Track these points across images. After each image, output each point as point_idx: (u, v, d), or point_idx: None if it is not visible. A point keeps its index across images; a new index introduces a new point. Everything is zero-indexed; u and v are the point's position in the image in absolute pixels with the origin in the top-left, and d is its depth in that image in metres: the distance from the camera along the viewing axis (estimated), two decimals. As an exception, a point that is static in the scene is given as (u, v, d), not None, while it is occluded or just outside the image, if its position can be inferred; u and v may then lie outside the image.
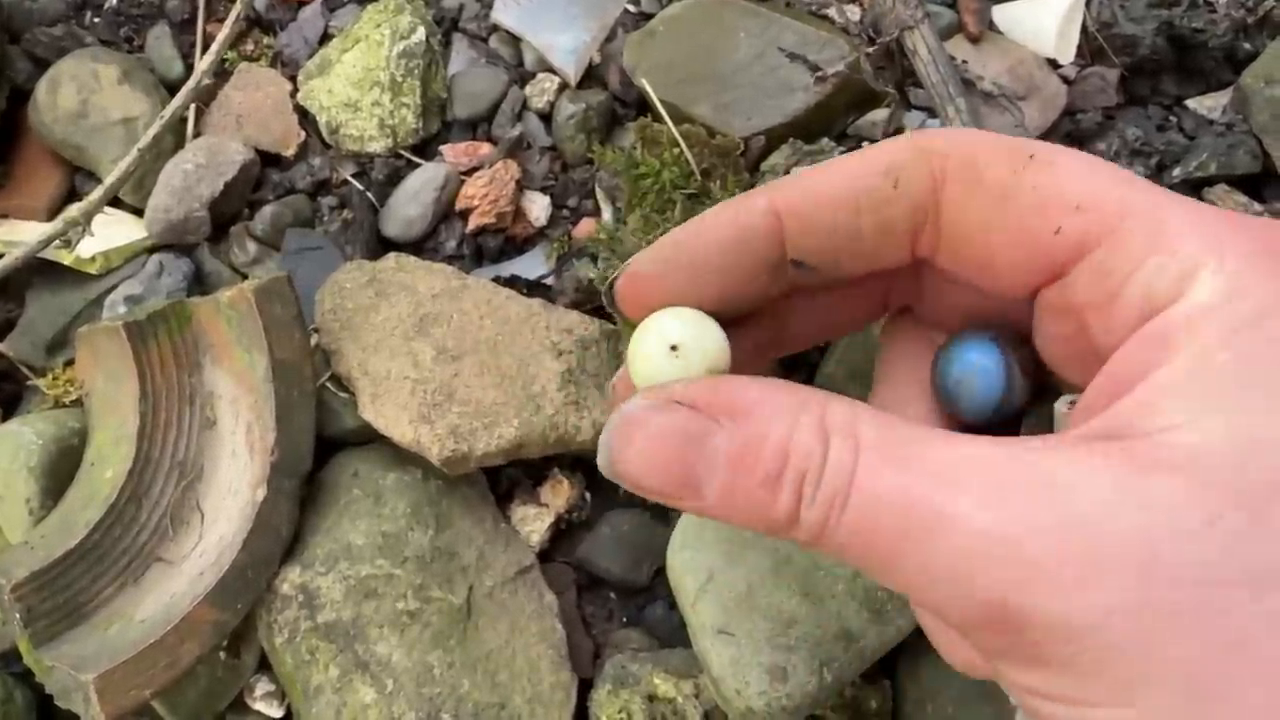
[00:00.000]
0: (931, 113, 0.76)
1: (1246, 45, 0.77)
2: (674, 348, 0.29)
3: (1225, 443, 0.21)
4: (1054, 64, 0.79)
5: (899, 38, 0.62)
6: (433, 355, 0.74)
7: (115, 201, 0.86)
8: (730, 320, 0.30)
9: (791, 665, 0.63)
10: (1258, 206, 0.74)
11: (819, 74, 0.68)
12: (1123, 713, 0.22)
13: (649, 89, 0.78)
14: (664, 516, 0.79)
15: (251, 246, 0.83)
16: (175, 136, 0.86)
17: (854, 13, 0.78)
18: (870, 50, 0.65)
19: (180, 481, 0.74)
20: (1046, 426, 0.28)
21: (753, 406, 0.26)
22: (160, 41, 0.90)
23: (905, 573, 0.24)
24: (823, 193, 0.28)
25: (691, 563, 0.66)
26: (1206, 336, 0.22)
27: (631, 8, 0.86)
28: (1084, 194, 0.25)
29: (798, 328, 0.35)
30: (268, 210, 0.83)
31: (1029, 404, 0.29)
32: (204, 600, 0.68)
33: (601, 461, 0.28)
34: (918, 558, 0.24)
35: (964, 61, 0.70)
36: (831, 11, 0.83)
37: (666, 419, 0.26)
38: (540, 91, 0.85)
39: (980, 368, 0.29)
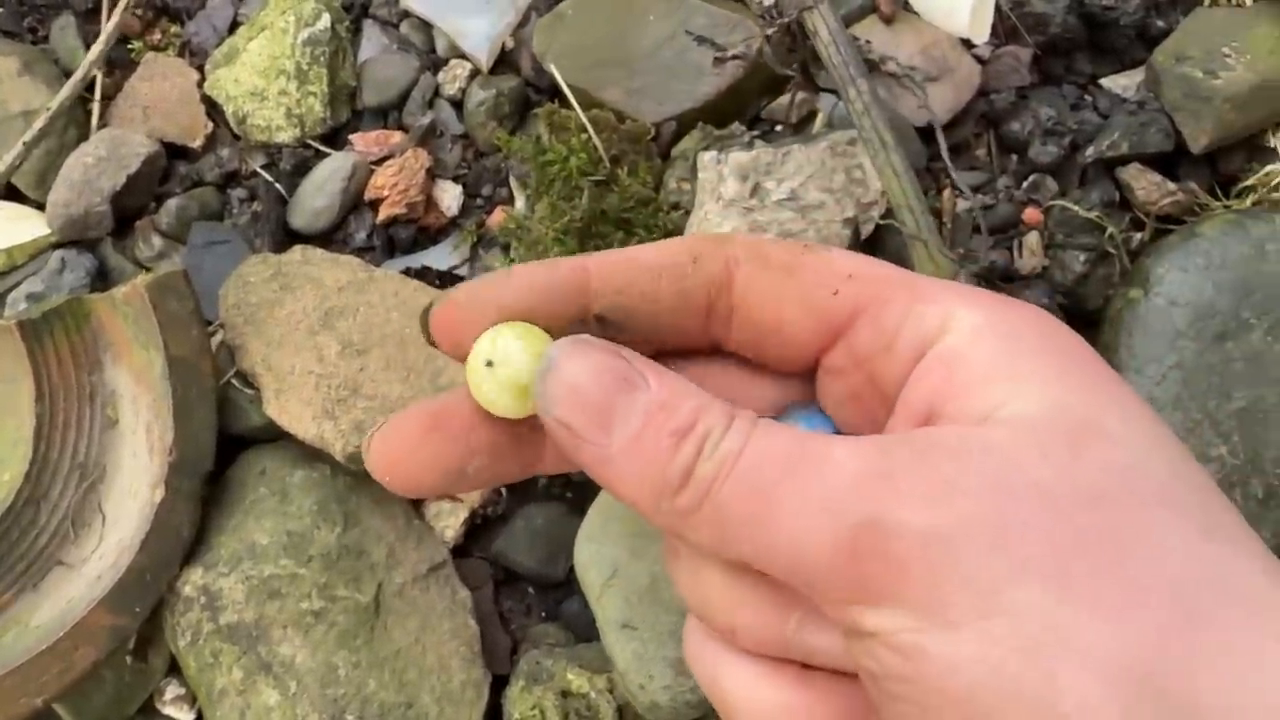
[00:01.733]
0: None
1: (1159, 23, 0.76)
2: (489, 364, 0.29)
3: (1036, 405, 0.26)
4: (968, 44, 0.78)
5: (799, 18, 0.61)
6: (338, 350, 0.73)
7: (18, 196, 0.84)
8: None
9: (696, 658, 0.62)
10: (1170, 185, 0.74)
11: (719, 55, 0.67)
12: (985, 623, 0.23)
13: (557, 74, 0.77)
14: (581, 509, 0.78)
15: (157, 241, 0.81)
16: (79, 130, 0.84)
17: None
18: (770, 32, 0.63)
19: (81, 483, 0.72)
20: None
21: (673, 376, 0.28)
22: (65, 32, 0.88)
23: (779, 518, 0.25)
24: (631, 258, 0.31)
25: (597, 556, 0.65)
26: (981, 350, 0.27)
27: (545, -8, 0.85)
28: (852, 267, 0.30)
29: None
30: (173, 203, 0.81)
31: None
32: (100, 604, 0.66)
33: (535, 385, 0.28)
34: (796, 497, 0.25)
35: (867, 42, 0.69)
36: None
37: (604, 355, 0.28)
38: (452, 78, 0.83)
39: (823, 424, 0.32)
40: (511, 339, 0.29)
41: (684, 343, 0.32)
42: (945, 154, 0.65)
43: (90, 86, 0.87)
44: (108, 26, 0.71)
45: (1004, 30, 0.78)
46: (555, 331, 0.30)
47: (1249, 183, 0.73)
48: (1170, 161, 0.75)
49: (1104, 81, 0.77)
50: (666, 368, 0.29)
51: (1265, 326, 0.68)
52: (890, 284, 0.30)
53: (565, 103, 0.76)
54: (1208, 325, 0.69)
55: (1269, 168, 0.73)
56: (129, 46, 0.87)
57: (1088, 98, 0.77)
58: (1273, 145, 0.74)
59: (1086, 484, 0.24)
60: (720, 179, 0.70)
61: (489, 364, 0.29)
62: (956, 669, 0.23)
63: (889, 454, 0.26)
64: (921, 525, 0.24)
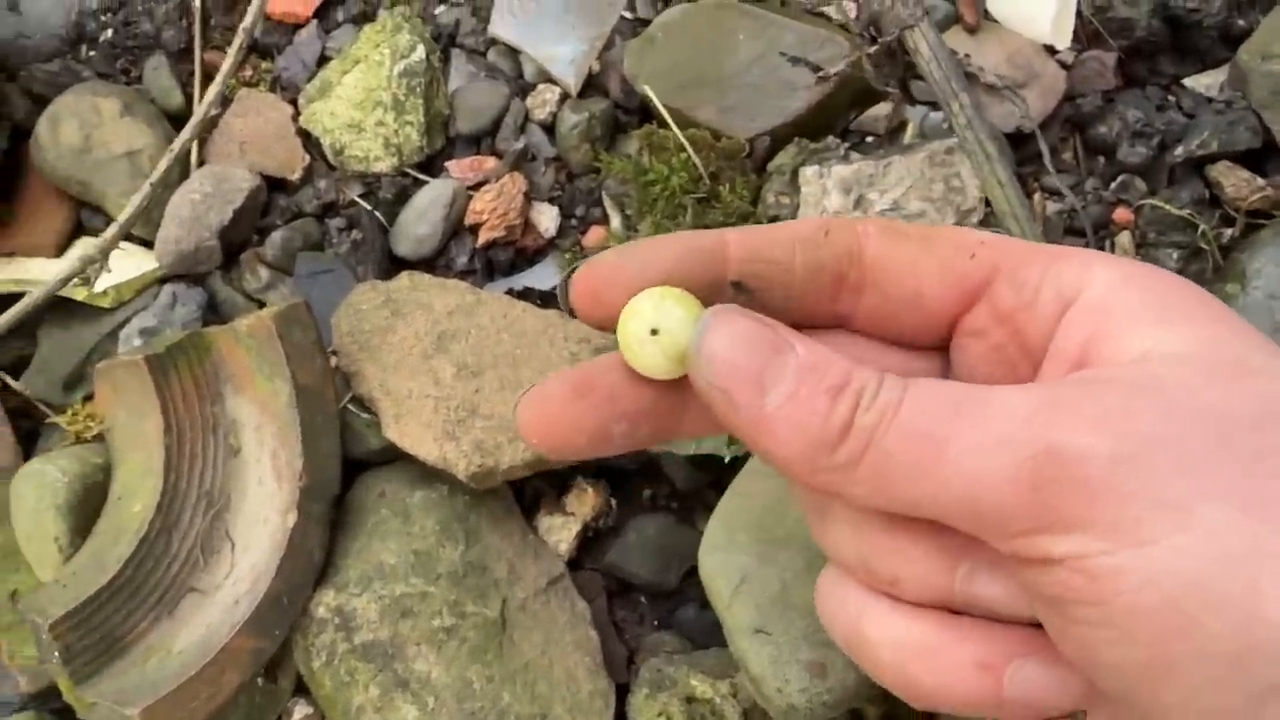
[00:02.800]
0: (934, 106, 0.76)
1: (1241, 22, 0.78)
2: (654, 331, 0.29)
3: (1190, 344, 0.27)
4: (1051, 50, 0.79)
5: (900, 36, 0.63)
6: (453, 372, 0.74)
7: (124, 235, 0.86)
8: None
9: (830, 661, 0.63)
10: (1260, 181, 0.75)
11: (820, 74, 0.69)
12: (1178, 539, 0.24)
13: (652, 95, 0.79)
14: (690, 519, 0.80)
15: (263, 272, 0.83)
16: (179, 166, 0.86)
17: (850, 9, 0.79)
18: (871, 50, 0.65)
19: (208, 511, 0.74)
20: None
21: (818, 343, 0.29)
22: (158, 72, 0.90)
23: (949, 458, 0.26)
24: (766, 232, 0.32)
25: (724, 565, 0.67)
26: (1127, 299, 0.28)
27: (628, 15, 0.87)
28: (986, 236, 0.32)
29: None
30: (277, 235, 0.83)
31: None
32: (242, 629, 0.68)
33: (690, 351, 0.29)
34: (967, 435, 0.26)
35: (966, 56, 0.70)
36: (830, 9, 0.83)
37: (754, 324, 0.29)
38: (542, 103, 0.85)
39: None
40: (672, 304, 0.29)
41: (812, 316, 0.33)
42: (1047, 158, 0.67)
43: (184, 123, 0.90)
44: (224, 66, 0.73)
45: (1086, 35, 0.79)
46: (696, 297, 0.31)
47: (1338, 175, 0.75)
48: (1259, 157, 0.76)
49: (1187, 82, 0.79)
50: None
51: (1365, 317, 0.70)
52: (1024, 247, 0.31)
53: (661, 123, 0.78)
54: (1308, 317, 0.70)
55: (1358, 160, 0.74)
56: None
57: (1172, 98, 0.79)
58: (1359, 137, 0.76)
59: (1254, 408, 0.25)
60: (824, 192, 0.71)
61: (653, 331, 0.29)
62: (1154, 584, 0.24)
63: (1057, 391, 0.27)
64: (1105, 449, 0.25)
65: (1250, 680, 0.23)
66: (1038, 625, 0.29)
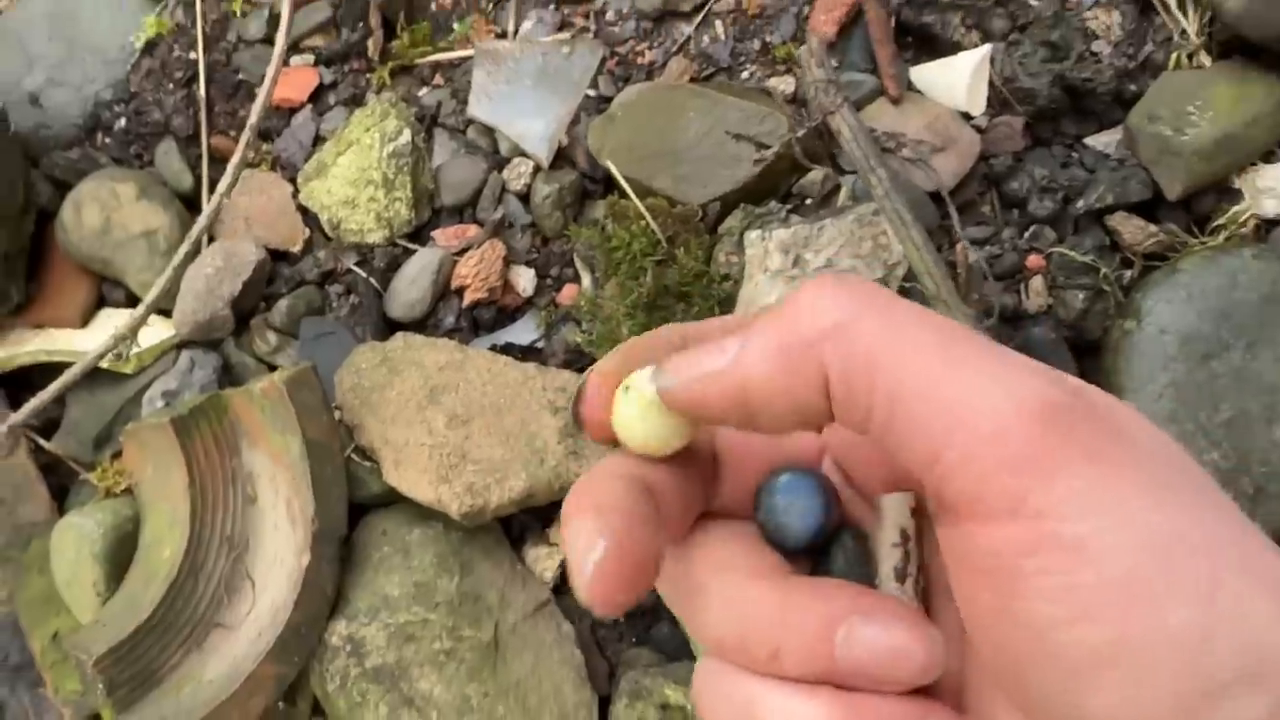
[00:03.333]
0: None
1: (1132, 87, 0.88)
2: (637, 410, 0.30)
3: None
4: (967, 116, 0.89)
5: (824, 120, 0.73)
6: (445, 421, 0.84)
7: (137, 305, 0.95)
8: None
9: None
10: (1153, 228, 0.85)
11: (757, 156, 0.79)
12: (1152, 517, 0.23)
13: (614, 169, 0.88)
14: (661, 545, 0.89)
15: (272, 336, 0.93)
16: (190, 242, 0.96)
17: (788, 83, 0.89)
18: (799, 134, 0.75)
19: (230, 554, 0.83)
20: (851, 553, 0.32)
21: None
22: (169, 156, 1.00)
23: (934, 365, 0.25)
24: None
25: (689, 585, 0.76)
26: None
27: (592, 93, 0.97)
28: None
29: None
30: (283, 303, 0.93)
31: (835, 536, 0.33)
32: (266, 658, 0.77)
33: (655, 381, 0.30)
34: (975, 362, 0.25)
35: (884, 134, 0.80)
36: (771, 84, 0.93)
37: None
38: (517, 175, 0.95)
39: (806, 497, 0.31)
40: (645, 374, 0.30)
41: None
42: (955, 220, 0.76)
43: (194, 203, 1.00)
44: (233, 160, 0.83)
45: (997, 102, 0.89)
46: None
47: (1220, 221, 0.85)
48: (1151, 207, 0.86)
49: (1088, 141, 0.89)
50: None
51: (1243, 346, 0.80)
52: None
53: (622, 193, 0.88)
54: (1194, 348, 0.80)
55: (1236, 208, 0.84)
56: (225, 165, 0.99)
57: (1075, 155, 0.89)
58: (1239, 187, 0.86)
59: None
60: (766, 254, 0.81)
61: (638, 412, 0.30)
62: (1126, 554, 0.23)
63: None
64: (1107, 428, 0.25)
65: (1205, 676, 0.23)
66: (918, 696, 0.28)
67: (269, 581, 0.82)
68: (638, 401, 0.30)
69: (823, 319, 0.27)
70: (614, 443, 0.31)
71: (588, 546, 0.28)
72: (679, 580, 0.32)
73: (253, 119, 0.82)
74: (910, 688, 0.28)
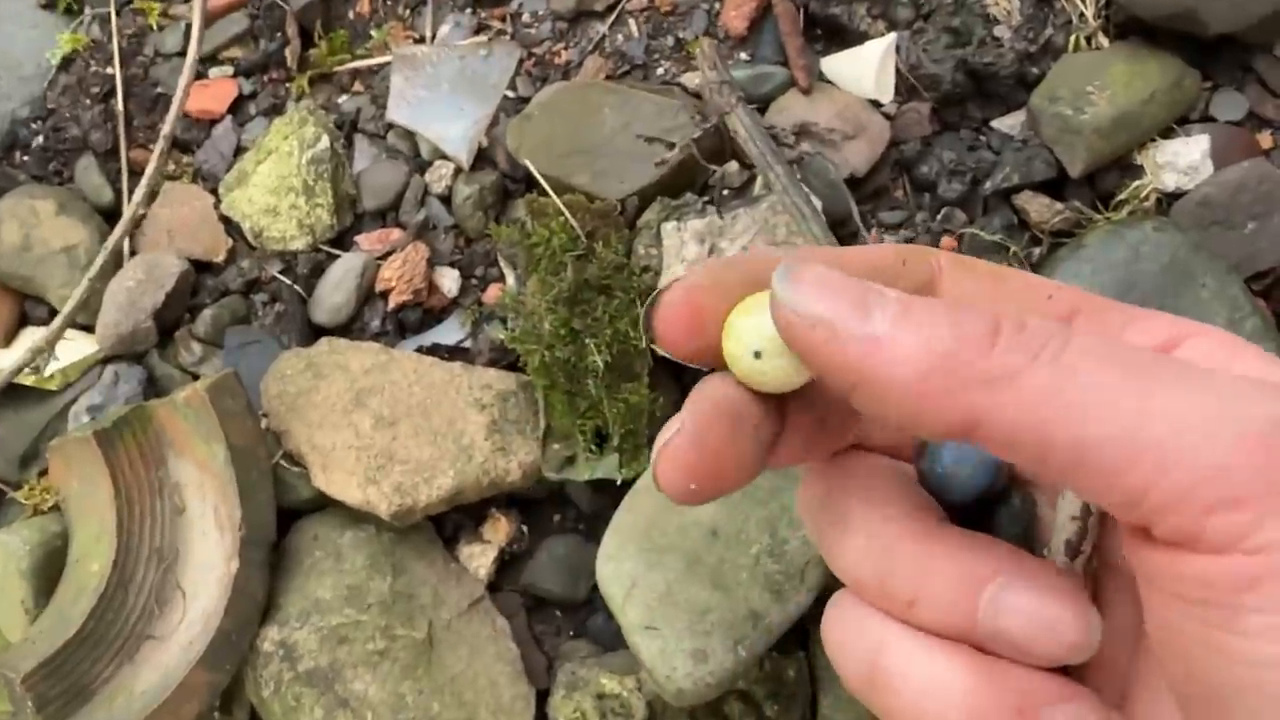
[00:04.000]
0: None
1: (1034, 69, 0.90)
2: (757, 354, 0.27)
3: None
4: (876, 104, 0.91)
5: (721, 120, 0.74)
6: (371, 424, 0.84)
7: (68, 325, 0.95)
8: None
9: (710, 648, 0.74)
10: (1059, 205, 0.87)
11: (659, 161, 0.80)
12: None
13: (531, 167, 0.89)
14: (595, 538, 0.90)
15: (196, 347, 0.93)
16: (114, 258, 0.95)
17: (694, 79, 0.91)
18: (697, 136, 0.77)
19: (160, 565, 0.83)
20: (1017, 516, 0.30)
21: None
22: (88, 172, 0.99)
23: (1152, 401, 0.22)
24: (845, 256, 0.29)
25: (616, 573, 0.77)
26: (1243, 357, 0.26)
27: (510, 94, 0.98)
28: (1054, 286, 0.29)
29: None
30: (207, 313, 0.93)
31: (1002, 495, 0.30)
32: (197, 665, 0.77)
33: (775, 289, 0.26)
34: (1179, 379, 0.23)
35: (783, 129, 0.82)
36: (685, 79, 0.95)
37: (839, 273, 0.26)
38: (438, 178, 0.95)
39: (972, 455, 0.29)
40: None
41: None
42: (855, 210, 0.78)
43: (115, 217, 0.99)
44: (148, 170, 0.83)
45: (905, 89, 0.91)
46: None
47: (1122, 196, 0.87)
48: (1057, 185, 0.89)
49: (994, 123, 0.91)
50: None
51: (1147, 316, 0.82)
52: (1097, 299, 0.29)
53: (541, 191, 0.89)
54: (1101, 320, 0.82)
55: (1137, 183, 0.87)
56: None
57: (982, 138, 0.91)
58: (1140, 163, 0.88)
59: None
60: (682, 244, 0.82)
61: (756, 354, 0.27)
62: None
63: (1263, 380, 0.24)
64: None
65: None
66: (1060, 671, 0.27)
67: (199, 590, 0.82)
68: (752, 335, 0.27)
69: (984, 361, 0.23)
70: (694, 360, 0.29)
71: (665, 429, 0.27)
72: (821, 504, 0.30)
73: (166, 129, 0.82)
74: (1054, 664, 0.26)
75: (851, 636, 0.28)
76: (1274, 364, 0.26)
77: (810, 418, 0.29)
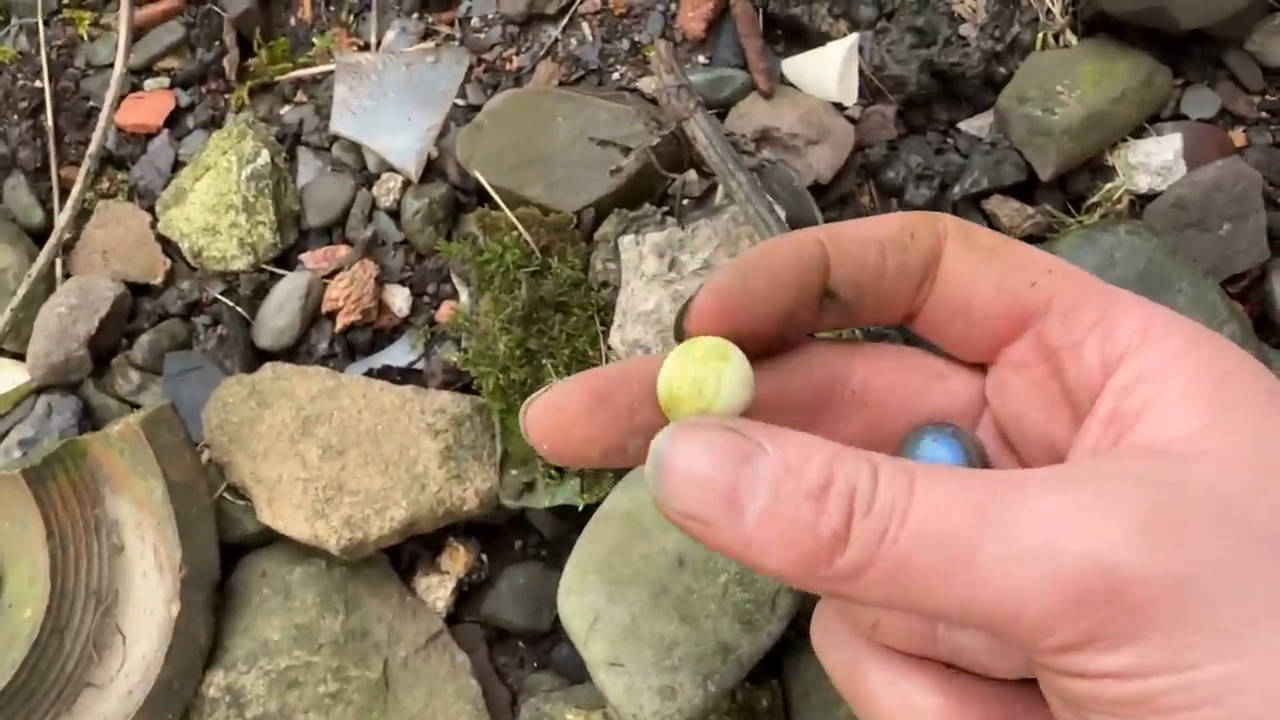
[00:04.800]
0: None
1: (1001, 69, 0.87)
2: (717, 363, 0.28)
3: (1241, 439, 0.26)
4: (840, 107, 0.88)
5: (679, 127, 0.71)
6: (319, 454, 0.80)
7: (-5, 351, 0.90)
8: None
9: (678, 684, 0.70)
10: (1029, 210, 0.84)
11: (613, 169, 0.77)
12: (1229, 666, 0.23)
13: (482, 179, 0.85)
14: (558, 565, 0.86)
15: (134, 375, 0.88)
16: (45, 281, 0.91)
17: (650, 84, 0.87)
18: (654, 144, 0.73)
19: (98, 609, 0.78)
20: None
21: (794, 436, 0.27)
22: (16, 191, 0.94)
23: (980, 569, 0.24)
24: (857, 233, 0.30)
25: (578, 606, 0.74)
26: (1182, 371, 0.27)
27: (460, 102, 0.94)
28: (1054, 264, 0.31)
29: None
30: (145, 339, 0.88)
31: None
32: (137, 716, 0.73)
33: (650, 483, 0.27)
34: (998, 543, 0.24)
35: (743, 136, 0.79)
36: (642, 84, 0.91)
37: (716, 432, 0.26)
38: (386, 191, 0.91)
39: (948, 453, 0.30)
40: (717, 350, 0.28)
41: (890, 318, 0.32)
42: (819, 219, 0.74)
43: (47, 239, 0.94)
44: (74, 191, 0.78)
45: (869, 91, 0.88)
46: (791, 313, 0.30)
47: (1095, 199, 0.84)
48: (1027, 189, 0.86)
49: (961, 125, 0.88)
50: (779, 426, 0.27)
51: (1123, 323, 0.79)
52: (1087, 286, 0.30)
53: (493, 204, 0.85)
54: (1076, 329, 0.79)
55: (1109, 185, 0.84)
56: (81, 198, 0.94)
57: (949, 141, 0.88)
58: (1111, 164, 0.85)
59: None
60: (641, 258, 0.79)
61: (679, 377, 0.28)
62: (1196, 708, 0.23)
63: (1097, 490, 0.25)
64: (1156, 567, 0.23)
65: None
66: (1026, 681, 0.28)
67: (140, 634, 0.77)
68: (664, 383, 0.29)
69: (837, 562, 0.25)
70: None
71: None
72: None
73: (93, 147, 0.78)
74: (1017, 677, 0.28)
75: (833, 646, 0.30)
76: (1209, 377, 0.27)
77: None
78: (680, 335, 0.30)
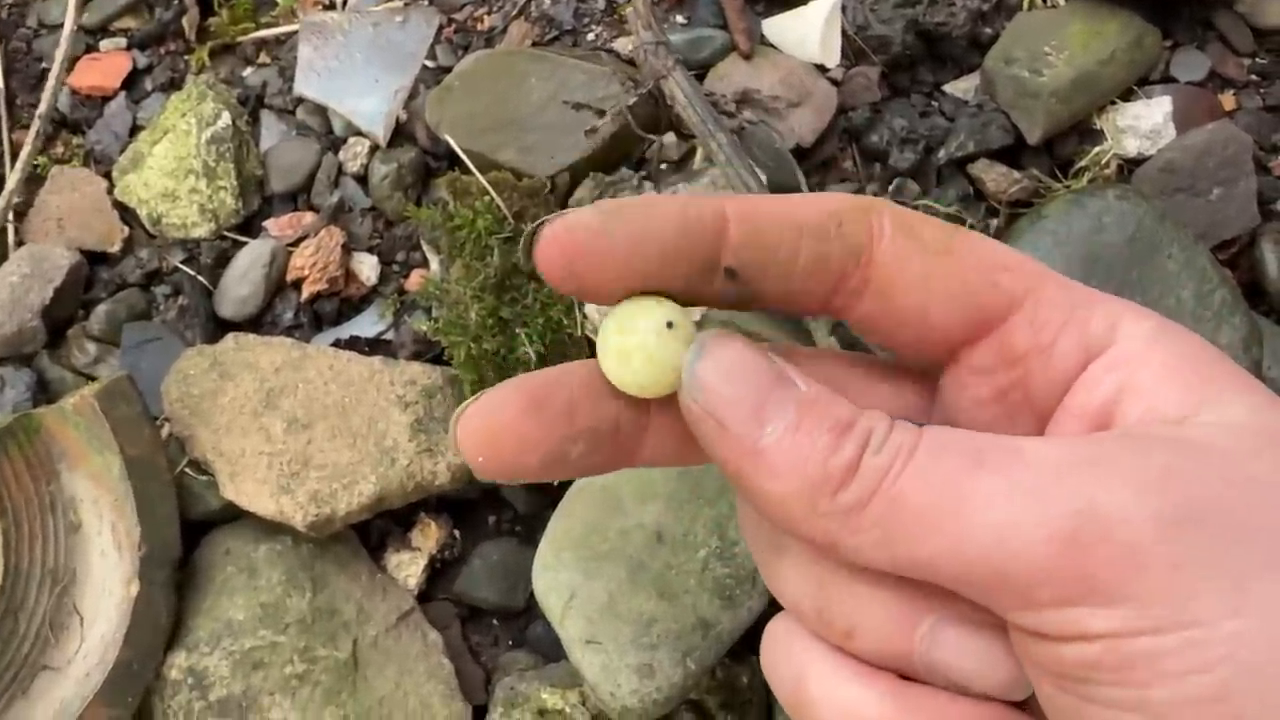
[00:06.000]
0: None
1: (988, 30, 0.85)
2: (670, 324, 0.27)
3: (1234, 412, 0.25)
4: (822, 69, 0.86)
5: (656, 85, 0.68)
6: (284, 427, 0.77)
7: (-55, 322, 0.86)
8: None
9: (657, 661, 0.68)
10: (1016, 174, 0.82)
11: (588, 129, 0.74)
12: (1235, 623, 0.22)
13: (453, 142, 0.82)
14: (533, 540, 0.84)
15: (91, 347, 0.85)
16: (-3, 249, 0.87)
17: (627, 45, 0.84)
18: (631, 103, 0.70)
19: (54, 588, 0.75)
20: None
21: (822, 385, 0.26)
22: (-34, 156, 0.90)
23: (972, 510, 0.24)
24: (773, 211, 0.28)
25: (554, 583, 0.71)
26: (1160, 357, 0.26)
27: (430, 63, 0.90)
28: (1011, 259, 0.28)
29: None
30: (101, 309, 0.85)
31: None
32: (94, 700, 0.70)
33: (685, 370, 0.27)
34: (995, 485, 0.24)
35: (724, 96, 0.76)
36: (618, 44, 0.88)
37: (756, 354, 0.26)
38: (353, 156, 0.88)
39: None
40: (664, 317, 0.27)
41: (803, 309, 0.30)
42: (802, 183, 0.72)
43: (0, 205, 0.91)
44: (23, 154, 0.75)
45: (852, 53, 0.86)
46: (681, 285, 0.28)
47: (1083, 163, 0.82)
48: (1013, 153, 0.83)
49: (946, 88, 0.86)
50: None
51: (1111, 290, 0.77)
52: (1053, 282, 0.28)
53: (464, 168, 0.82)
54: (1063, 296, 0.77)
55: (1097, 148, 0.82)
56: (34, 162, 0.90)
57: (934, 104, 0.86)
58: (1100, 127, 0.83)
59: None
60: (617, 224, 0.76)
61: (633, 339, 0.27)
62: (1204, 671, 0.22)
63: (1094, 445, 0.24)
64: (1152, 512, 0.22)
65: None
66: (998, 702, 0.27)
67: (98, 615, 0.74)
68: (654, 367, 0.27)
69: (840, 496, 0.25)
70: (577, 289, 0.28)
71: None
72: (761, 538, 0.30)
73: (42, 108, 0.74)
74: (991, 698, 0.27)
75: (781, 658, 0.29)
76: (1188, 358, 0.26)
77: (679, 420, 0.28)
78: (529, 261, 0.27)
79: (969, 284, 0.28)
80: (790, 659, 0.28)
